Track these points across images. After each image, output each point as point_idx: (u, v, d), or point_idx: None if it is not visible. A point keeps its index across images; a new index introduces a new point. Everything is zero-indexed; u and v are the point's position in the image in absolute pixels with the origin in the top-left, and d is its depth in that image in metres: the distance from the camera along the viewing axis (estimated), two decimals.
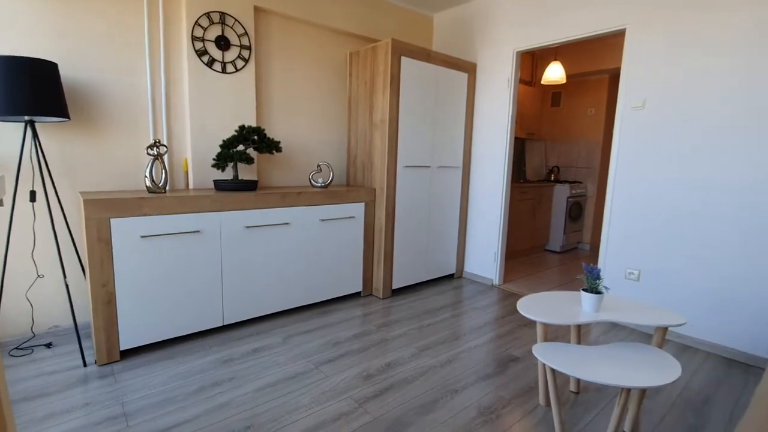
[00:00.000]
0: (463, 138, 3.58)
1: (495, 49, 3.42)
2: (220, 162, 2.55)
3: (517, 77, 3.34)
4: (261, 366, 2.09)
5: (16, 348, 2.18)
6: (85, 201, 1.91)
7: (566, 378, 2.06)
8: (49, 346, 2.22)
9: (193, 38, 2.54)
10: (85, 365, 2.04)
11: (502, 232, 3.51)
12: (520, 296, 3.34)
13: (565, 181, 5.11)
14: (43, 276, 2.29)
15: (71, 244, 2.36)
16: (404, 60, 2.98)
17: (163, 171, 2.30)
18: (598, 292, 1.73)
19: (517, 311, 2.98)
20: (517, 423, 1.70)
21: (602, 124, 5.05)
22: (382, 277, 3.13)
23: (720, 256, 2.35)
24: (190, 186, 2.67)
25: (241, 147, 2.81)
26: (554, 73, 4.21)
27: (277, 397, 1.82)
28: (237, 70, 2.74)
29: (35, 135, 2.02)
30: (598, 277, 1.74)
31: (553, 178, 5.34)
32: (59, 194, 2.29)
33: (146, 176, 2.22)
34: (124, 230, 2.03)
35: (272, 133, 3.07)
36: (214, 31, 2.62)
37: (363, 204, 3.05)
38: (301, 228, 2.71)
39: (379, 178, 3.08)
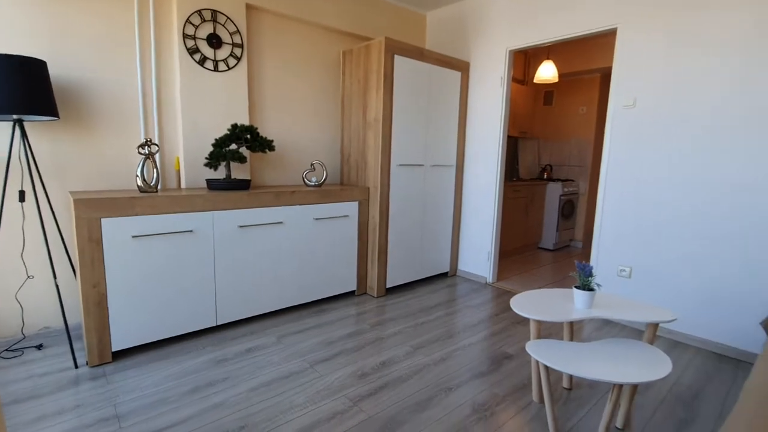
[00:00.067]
0: (456, 136, 3.59)
1: (488, 47, 3.43)
2: (213, 161, 2.54)
3: (510, 76, 3.35)
4: (255, 366, 2.08)
5: (6, 350, 2.15)
6: (75, 201, 1.89)
7: (559, 374, 2.08)
8: (39, 347, 2.20)
9: (185, 36, 2.52)
10: (76, 367, 2.02)
11: (495, 230, 3.52)
12: (514, 294, 3.36)
13: (558, 180, 5.15)
14: (33, 277, 2.26)
15: (61, 244, 2.33)
16: (397, 58, 2.97)
17: (155, 170, 2.28)
18: (591, 289, 1.74)
19: (510, 309, 3.00)
20: (511, 420, 1.72)
21: (594, 122, 5.09)
22: (376, 275, 3.13)
23: (710, 253, 2.38)
24: (182, 185, 2.65)
25: (233, 146, 2.79)
26: (547, 72, 4.23)
27: (271, 397, 1.82)
28: (229, 69, 2.72)
29: (24, 134, 1.99)
30: (590, 275, 1.75)
31: (545, 176, 5.38)
32: (49, 194, 2.26)
33: (137, 175, 2.20)
34: (115, 230, 2.01)
35: (265, 131, 3.06)
36: (206, 29, 2.60)
37: (357, 203, 3.04)
38: (295, 227, 2.70)
39: (372, 176, 3.08)
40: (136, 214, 2.06)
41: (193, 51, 2.56)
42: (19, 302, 2.24)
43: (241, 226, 2.45)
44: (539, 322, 1.75)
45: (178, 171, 2.65)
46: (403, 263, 3.32)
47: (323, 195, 2.83)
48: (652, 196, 2.59)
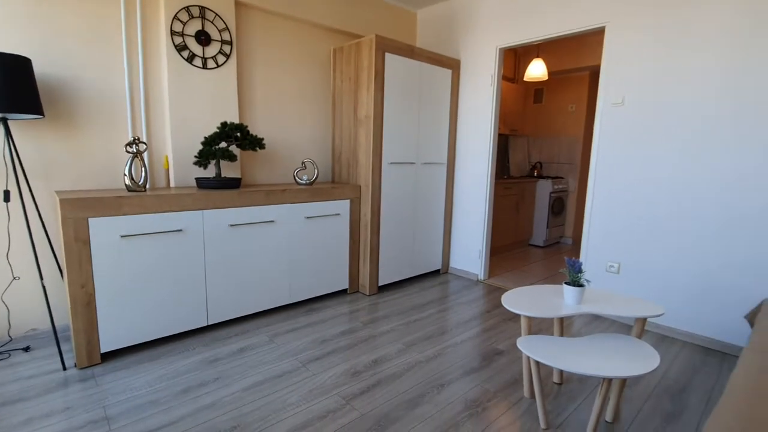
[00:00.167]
0: (447, 134, 3.60)
1: (478, 45, 3.44)
2: (202, 159, 2.51)
3: (500, 74, 3.37)
4: (247, 365, 2.07)
5: None
6: (61, 200, 1.86)
7: (550, 370, 2.10)
8: (26, 349, 2.16)
9: (172, 33, 2.49)
10: (64, 369, 1.99)
11: (486, 228, 3.54)
12: (505, 291, 3.38)
13: (548, 177, 5.19)
14: (19, 278, 2.22)
15: (48, 245, 2.30)
16: (388, 56, 2.97)
17: (143, 169, 2.25)
18: (580, 285, 1.76)
19: (501, 305, 3.03)
20: (503, 415, 1.73)
21: (583, 120, 5.14)
22: (368, 273, 3.13)
23: (697, 249, 2.42)
24: (171, 184, 2.62)
25: (223, 144, 2.77)
26: (536, 70, 4.26)
27: (264, 396, 1.81)
28: (218, 66, 2.69)
29: (8, 133, 1.95)
30: (580, 271, 1.77)
31: (535, 173, 5.42)
32: (34, 194, 2.22)
33: (125, 174, 2.17)
34: (102, 230, 1.98)
35: (255, 129, 3.03)
36: (194, 26, 2.57)
37: (348, 201, 3.04)
38: (286, 226, 2.69)
39: (364, 174, 3.07)
40: (125, 214, 2.04)
41: (181, 48, 2.52)
42: (5, 304, 2.20)
43: (231, 225, 2.43)
44: (530, 319, 1.76)
45: (167, 170, 2.62)
46: (395, 261, 3.33)
47: (314, 193, 2.82)
48: (640, 193, 2.63)
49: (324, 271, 2.97)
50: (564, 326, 2.69)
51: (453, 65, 3.51)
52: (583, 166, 5.22)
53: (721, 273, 2.35)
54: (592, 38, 4.52)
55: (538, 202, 5.08)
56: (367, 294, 3.16)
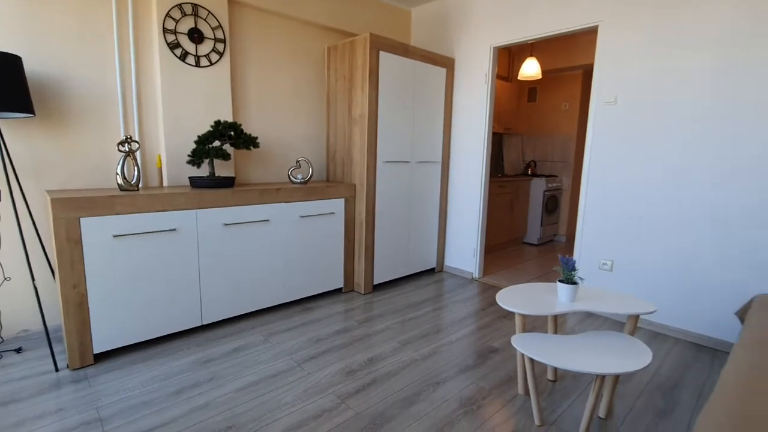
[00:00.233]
0: (442, 133, 3.60)
1: (472, 44, 3.45)
2: (196, 158, 2.49)
3: (495, 72, 3.38)
4: (242, 365, 2.07)
5: None
6: (52, 200, 1.84)
7: (544, 367, 2.12)
8: (18, 351, 2.14)
9: (165, 31, 2.46)
10: (57, 370, 1.97)
11: (481, 226, 3.56)
12: (500, 289, 3.40)
13: (542, 175, 5.22)
14: (10, 279, 2.19)
15: (39, 245, 2.27)
16: (383, 54, 2.97)
17: (136, 168, 2.23)
18: (574, 283, 1.78)
19: (496, 303, 3.04)
20: (498, 412, 1.74)
21: (576, 119, 5.16)
22: (363, 272, 3.13)
23: (689, 247, 2.45)
24: (165, 183, 2.60)
25: (217, 143, 2.75)
26: (530, 69, 4.28)
27: (258, 396, 1.81)
28: (211, 64, 2.67)
29: None
30: (574, 268, 1.79)
31: (530, 172, 5.44)
32: (25, 193, 2.19)
33: (117, 173, 2.15)
34: (95, 230, 1.96)
35: (249, 128, 3.02)
36: (187, 24, 2.55)
37: (343, 200, 3.03)
38: (281, 225, 2.68)
39: (358, 173, 3.07)
40: (117, 213, 2.02)
41: (173, 46, 2.50)
42: None
43: (225, 225, 2.42)
44: (524, 316, 1.77)
45: (160, 169, 2.60)
46: (390, 260, 3.33)
47: (309, 192, 2.81)
48: (633, 192, 2.65)
49: (319, 270, 2.96)
50: (558, 324, 2.71)
51: (447, 64, 3.51)
52: (576, 165, 5.25)
53: (713, 270, 2.37)
54: (586, 37, 4.55)
55: (532, 201, 5.10)
56: (362, 293, 3.15)
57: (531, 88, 5.56)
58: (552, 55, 4.85)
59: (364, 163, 3.00)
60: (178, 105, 2.57)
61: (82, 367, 2.00)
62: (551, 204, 5.15)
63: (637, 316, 1.76)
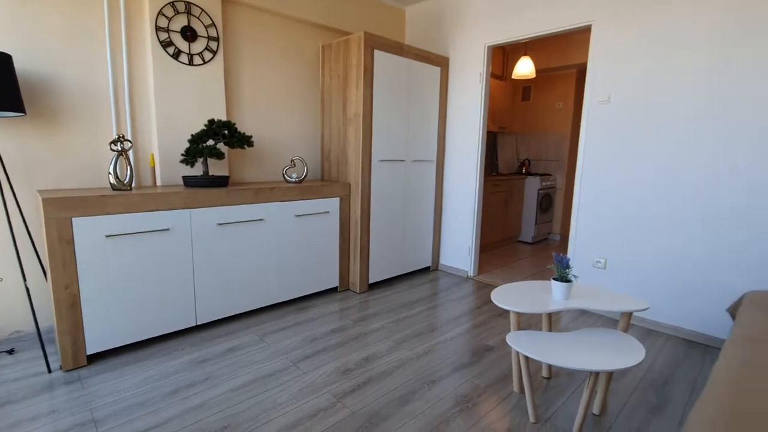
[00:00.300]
0: (436, 132, 3.61)
1: (466, 43, 3.45)
2: (189, 157, 2.48)
3: (489, 71, 3.38)
4: (237, 365, 2.06)
5: None
6: (44, 200, 1.82)
7: (539, 364, 2.13)
8: (11, 352, 2.12)
9: (157, 29, 2.44)
10: (49, 371, 1.95)
11: (476, 225, 3.57)
12: (494, 287, 3.41)
13: (536, 174, 5.24)
14: (2, 279, 2.17)
15: (30, 245, 2.25)
16: (377, 53, 2.96)
17: (128, 167, 2.22)
18: (568, 281, 1.79)
19: (491, 302, 3.05)
20: (493, 410, 1.75)
21: (570, 118, 5.19)
22: (358, 271, 3.13)
23: (681, 245, 2.47)
24: (158, 183, 2.58)
25: (210, 142, 2.74)
26: (524, 68, 4.29)
27: (254, 396, 1.81)
28: (205, 62, 2.66)
29: None
30: (568, 267, 1.80)
31: (524, 170, 5.46)
32: (16, 193, 2.16)
33: (110, 173, 2.13)
34: (87, 230, 1.94)
35: (243, 127, 3.00)
36: (180, 22, 2.53)
37: (338, 199, 3.03)
38: (276, 224, 2.68)
39: (353, 172, 3.07)
40: (109, 213, 2.00)
41: (166, 44, 2.48)
42: None
43: (220, 224, 2.40)
44: (519, 314, 1.78)
45: (153, 168, 2.58)
46: (385, 259, 3.33)
47: (304, 191, 2.81)
48: (627, 190, 2.67)
49: (314, 269, 2.96)
50: (552, 321, 2.72)
51: (442, 63, 3.52)
52: (570, 163, 5.28)
53: (704, 268, 2.40)
54: (579, 36, 4.57)
55: (527, 199, 5.12)
56: (358, 292, 3.15)
57: (525, 87, 5.58)
58: (546, 54, 4.87)
59: (359, 162, 3.00)
60: (172, 103, 2.55)
61: (75, 369, 1.99)
62: (545, 203, 5.18)
63: (630, 314, 1.77)
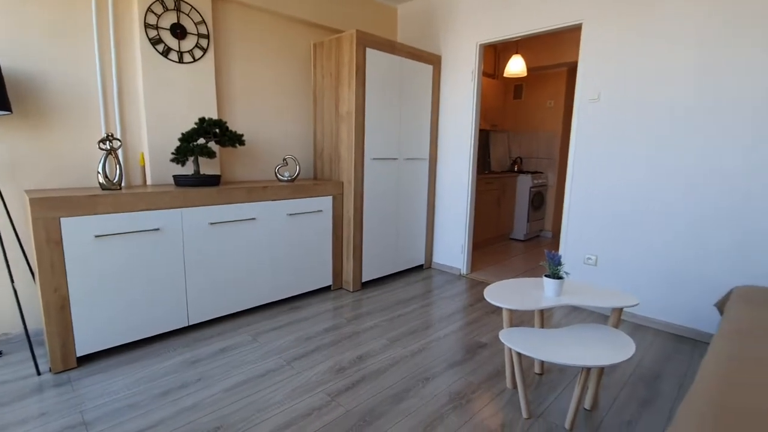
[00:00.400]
0: (429, 130, 3.61)
1: (458, 41, 3.46)
2: (180, 156, 2.45)
3: (481, 70, 3.39)
4: (230, 365, 2.05)
5: None
6: (31, 200, 1.79)
7: (531, 360, 2.15)
8: None
9: (146, 26, 2.41)
10: (39, 373, 1.92)
11: (468, 223, 3.58)
12: (487, 284, 3.43)
13: (528, 172, 5.27)
14: None
15: (18, 246, 2.21)
16: (369, 51, 2.96)
17: (118, 166, 2.19)
18: (559, 278, 1.80)
19: (484, 299, 3.07)
20: (486, 406, 1.76)
21: (561, 116, 5.23)
22: (351, 270, 3.12)
23: (670, 242, 2.51)
24: (148, 182, 2.55)
25: (201, 140, 2.71)
26: (516, 66, 4.31)
27: (247, 396, 1.80)
28: (195, 60, 2.63)
29: None
30: (559, 264, 1.81)
31: (516, 168, 5.50)
32: (2, 193, 2.12)
33: (99, 172, 2.10)
34: (76, 230, 1.92)
35: (235, 125, 2.98)
36: (169, 19, 2.50)
37: (331, 197, 3.02)
38: (268, 223, 2.66)
39: (346, 170, 3.06)
40: (99, 213, 1.97)
41: (155, 41, 2.45)
42: None
43: (211, 224, 2.38)
44: (511, 311, 1.80)
45: (143, 167, 2.55)
46: (378, 257, 3.33)
47: (296, 190, 2.79)
48: (617, 188, 2.69)
49: (307, 268, 2.95)
50: (545, 318, 2.75)
51: (434, 61, 3.52)
52: (561, 161, 5.32)
53: (694, 264, 2.43)
54: (570, 35, 4.60)
55: (519, 197, 5.16)
56: (351, 290, 3.15)
57: (517, 85, 5.61)
58: (537, 52, 4.89)
59: (352, 161, 2.99)
60: (161, 102, 2.52)
61: (65, 371, 1.96)
62: (537, 200, 5.21)
63: (620, 309, 1.79)
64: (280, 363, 2.08)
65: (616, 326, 1.80)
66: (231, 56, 2.89)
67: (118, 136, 2.45)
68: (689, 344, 2.39)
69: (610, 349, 1.53)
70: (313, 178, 3.36)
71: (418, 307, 2.88)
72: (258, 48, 3.03)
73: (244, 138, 2.96)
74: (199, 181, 2.43)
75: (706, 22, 2.28)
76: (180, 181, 2.43)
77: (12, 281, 1.96)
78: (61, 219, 1.87)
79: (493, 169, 5.49)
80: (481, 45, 3.34)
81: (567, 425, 1.61)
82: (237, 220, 2.50)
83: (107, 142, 2.13)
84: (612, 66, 2.63)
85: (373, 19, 3.73)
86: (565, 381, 1.97)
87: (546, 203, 5.44)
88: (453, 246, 3.71)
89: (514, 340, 1.61)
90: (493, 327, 2.57)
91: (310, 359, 2.12)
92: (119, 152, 2.46)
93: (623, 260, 2.71)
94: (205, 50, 2.66)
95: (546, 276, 1.83)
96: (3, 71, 2.07)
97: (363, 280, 3.25)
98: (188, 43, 2.59)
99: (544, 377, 2.01)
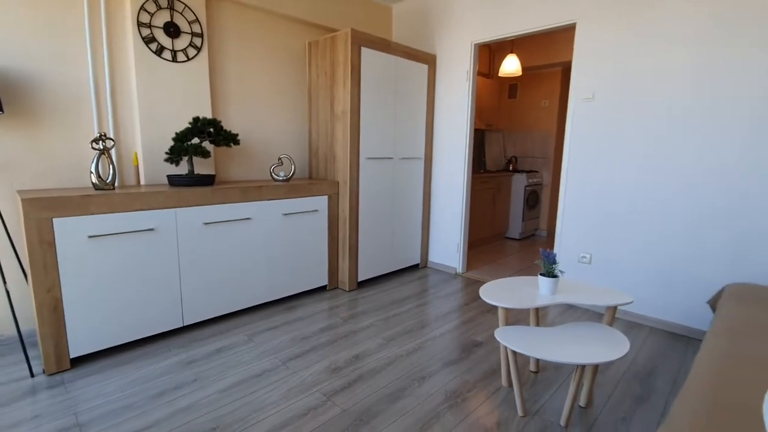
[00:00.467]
0: (424, 129, 3.62)
1: (453, 41, 3.46)
2: (174, 156, 2.44)
3: (476, 69, 3.40)
4: (226, 365, 2.04)
5: None
6: (23, 200, 1.77)
7: (526, 359, 2.16)
8: None
9: (139, 24, 2.39)
10: (32, 375, 1.91)
11: (464, 222, 3.59)
12: (483, 283, 3.44)
13: (523, 171, 5.29)
14: None
15: (10, 247, 2.19)
16: (364, 50, 2.95)
17: (111, 166, 2.17)
18: (554, 276, 1.81)
19: (479, 298, 3.08)
20: (482, 404, 1.77)
21: (555, 115, 5.25)
22: (347, 269, 3.12)
23: (664, 240, 2.53)
24: (142, 182, 2.53)
25: (196, 140, 2.70)
26: (510, 66, 4.33)
27: (243, 396, 1.79)
28: (189, 59, 2.61)
29: None
30: (554, 262, 1.82)
31: (511, 167, 5.52)
32: None
33: (92, 172, 2.08)
34: (69, 230, 1.90)
35: (229, 125, 2.97)
36: (162, 17, 2.48)
37: (326, 197, 3.02)
38: (263, 223, 2.65)
39: (342, 170, 3.06)
40: (92, 213, 1.96)
41: (149, 40, 2.44)
42: None
43: (206, 224, 2.37)
44: (507, 310, 1.80)
45: (137, 167, 2.53)
46: (374, 256, 3.33)
47: (292, 190, 2.79)
48: (612, 187, 2.71)
49: (302, 268, 2.94)
50: (540, 316, 2.76)
51: (429, 60, 3.52)
52: (556, 160, 5.34)
53: (688, 262, 2.46)
54: (565, 34, 4.62)
55: (514, 196, 5.17)
56: (347, 290, 3.15)
57: (512, 84, 5.63)
58: (532, 52, 4.91)
59: (347, 160, 2.99)
60: (155, 101, 2.50)
61: (59, 372, 1.94)
62: (532, 199, 5.23)
63: (614, 307, 1.81)
64: (275, 363, 2.07)
65: (610, 324, 1.81)
66: (225, 55, 2.87)
67: (111, 136, 2.43)
68: (682, 341, 2.41)
69: (605, 347, 1.54)
70: (309, 178, 3.35)
71: (414, 306, 2.89)
72: (252, 47, 3.01)
73: (238, 137, 2.95)
74: (193, 180, 2.42)
75: (702, 22, 2.29)
76: (174, 180, 2.41)
77: (4, 282, 1.94)
78: (54, 219, 1.85)
79: (488, 169, 5.50)
80: (476, 44, 3.34)
81: (562, 422, 1.62)
82: (232, 220, 2.49)
83: (100, 141, 2.11)
84: (606, 65, 2.65)
85: (368, 19, 3.72)
86: (560, 379, 1.98)
87: (541, 202, 5.47)
88: (448, 245, 3.72)
89: (509, 338, 1.62)
90: (489, 325, 2.58)
91: (306, 359, 2.12)
92: (112, 152, 2.44)
93: (618, 259, 2.73)
94: (199, 49, 2.64)
95: (541, 274, 1.84)
96: None
97: (359, 280, 3.25)
98: (182, 42, 2.57)
99: (539, 375, 2.02)
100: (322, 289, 3.17)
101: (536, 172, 5.38)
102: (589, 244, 2.85)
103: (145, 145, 2.50)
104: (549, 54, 4.78)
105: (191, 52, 2.62)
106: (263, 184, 2.66)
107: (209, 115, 2.76)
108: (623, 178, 2.65)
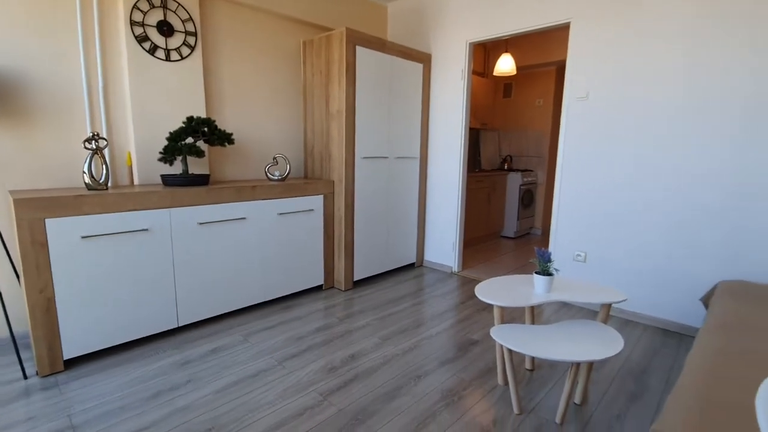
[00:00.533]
0: (419, 128, 3.62)
1: (448, 40, 3.46)
2: (168, 155, 2.42)
3: (471, 68, 3.41)
4: (221, 366, 2.03)
5: None
6: (15, 200, 1.75)
7: (522, 357, 2.17)
8: None
9: (132, 23, 2.37)
10: (25, 377, 1.89)
11: (459, 221, 3.60)
12: (478, 282, 3.45)
13: (518, 170, 5.31)
14: None
15: (2, 247, 2.16)
16: (359, 49, 2.95)
17: (104, 166, 2.15)
18: (549, 274, 1.82)
19: (475, 296, 3.09)
20: (478, 403, 1.77)
21: (550, 114, 5.27)
22: (343, 269, 3.12)
23: (658, 239, 2.55)
24: (135, 182, 2.51)
25: (190, 139, 2.68)
26: (505, 65, 4.34)
27: (239, 397, 1.79)
28: (183, 58, 2.59)
29: None
30: (549, 260, 1.83)
31: (506, 166, 5.53)
32: None
33: (84, 172, 2.07)
34: (61, 231, 1.88)
35: (224, 124, 2.95)
36: (156, 16, 2.46)
37: (322, 196, 3.01)
38: (258, 223, 2.64)
39: (337, 169, 3.05)
40: (85, 214, 1.94)
41: (142, 39, 2.42)
42: None
43: (200, 223, 2.36)
44: (502, 308, 1.81)
45: (130, 167, 2.51)
46: (370, 256, 3.33)
47: (287, 189, 2.78)
48: (606, 185, 2.73)
49: (298, 267, 2.93)
50: (535, 314, 2.77)
51: (424, 59, 3.52)
52: (550, 159, 5.36)
53: (681, 260, 2.48)
54: (559, 34, 4.64)
55: (509, 195, 5.19)
56: (343, 289, 3.15)
57: (506, 83, 5.64)
58: (526, 51, 4.93)
59: (343, 159, 2.99)
60: (148, 100, 2.49)
61: (52, 374, 1.93)
62: (527, 198, 5.25)
63: (609, 305, 1.82)
64: (271, 363, 2.07)
65: (605, 322, 1.82)
66: (219, 54, 2.86)
67: (104, 136, 2.41)
68: (676, 338, 2.44)
69: (600, 345, 1.55)
70: (304, 177, 3.34)
71: (410, 305, 2.89)
72: (247, 46, 3.00)
73: (233, 137, 2.94)
74: (187, 180, 2.41)
75: (694, 22, 2.31)
76: (168, 180, 2.40)
77: None
78: (47, 220, 1.84)
79: (483, 168, 5.51)
80: (471, 43, 3.35)
81: (558, 420, 1.63)
82: (227, 220, 2.48)
83: (93, 141, 2.09)
84: (600, 65, 2.66)
85: (363, 17, 3.72)
86: (555, 376, 2.00)
87: (536, 201, 5.49)
88: (444, 244, 3.72)
89: (505, 336, 1.63)
90: (484, 324, 2.59)
91: (302, 359, 2.12)
92: (105, 152, 2.42)
93: (612, 257, 2.74)
94: (192, 48, 2.63)
95: (536, 273, 1.85)
96: None
97: (354, 279, 3.24)
98: (175, 41, 2.55)
99: (534, 373, 2.03)
100: (318, 288, 3.17)
101: (531, 171, 5.40)
102: (583, 242, 2.86)
103: (139, 145, 2.48)
104: (543, 53, 4.80)
105: (185, 51, 2.60)
106: (258, 184, 2.65)
107: (203, 115, 2.74)
108: (618, 177, 2.66)
